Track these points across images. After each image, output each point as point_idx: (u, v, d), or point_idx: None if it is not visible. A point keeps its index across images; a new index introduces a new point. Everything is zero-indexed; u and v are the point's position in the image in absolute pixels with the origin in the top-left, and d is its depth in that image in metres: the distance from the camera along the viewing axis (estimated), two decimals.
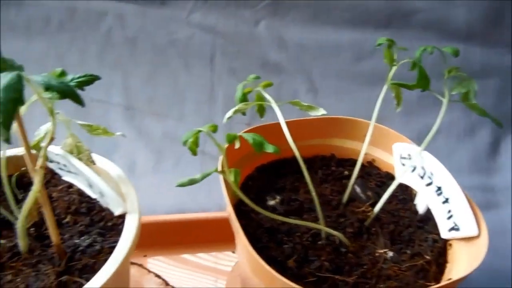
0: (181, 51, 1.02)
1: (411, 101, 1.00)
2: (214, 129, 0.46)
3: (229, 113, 0.55)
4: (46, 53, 1.04)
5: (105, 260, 0.46)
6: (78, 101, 0.35)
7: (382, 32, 0.99)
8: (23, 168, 0.56)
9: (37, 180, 0.40)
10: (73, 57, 1.04)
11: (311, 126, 0.64)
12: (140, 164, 0.92)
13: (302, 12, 0.99)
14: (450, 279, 0.47)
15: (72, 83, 0.40)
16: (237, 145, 0.45)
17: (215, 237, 0.77)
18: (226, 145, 0.55)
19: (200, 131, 0.45)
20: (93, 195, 0.52)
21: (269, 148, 0.43)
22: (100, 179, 0.48)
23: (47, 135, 0.42)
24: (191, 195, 0.88)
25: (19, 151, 0.56)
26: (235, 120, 0.99)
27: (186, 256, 0.75)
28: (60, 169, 0.54)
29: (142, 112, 1.00)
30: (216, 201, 0.87)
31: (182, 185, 0.41)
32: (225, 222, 0.78)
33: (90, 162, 0.51)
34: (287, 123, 0.54)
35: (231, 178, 0.45)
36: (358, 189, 0.59)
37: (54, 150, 0.50)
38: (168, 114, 1.00)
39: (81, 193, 0.53)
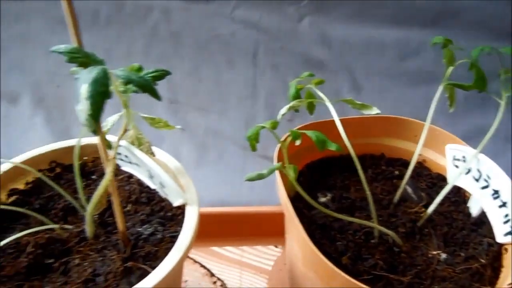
0: (225, 46, 1.04)
1: (457, 101, 0.98)
2: (275, 125, 0.47)
3: (284, 109, 0.56)
4: (94, 46, 1.06)
5: (167, 248, 0.48)
6: (156, 95, 0.36)
7: (428, 30, 0.98)
8: (85, 158, 0.59)
9: (109, 170, 0.42)
10: (120, 50, 1.06)
11: (362, 124, 0.64)
12: (184, 157, 0.94)
13: (347, 8, 0.99)
14: (510, 284, 0.46)
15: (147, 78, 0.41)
16: (298, 142, 0.46)
17: (258, 231, 0.78)
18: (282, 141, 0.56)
19: (263, 127, 0.46)
20: (152, 185, 0.54)
21: (332, 146, 0.43)
22: (161, 170, 0.50)
23: (121, 127, 0.43)
24: (234, 189, 0.89)
25: (80, 141, 0.59)
26: (275, 116, 1.01)
27: (229, 248, 0.77)
28: (121, 159, 0.56)
29: (186, 106, 1.02)
30: (257, 195, 0.89)
31: (251, 179, 0.42)
32: (267, 216, 0.79)
33: (150, 154, 0.53)
34: (331, 122, 0.54)
35: (291, 173, 0.46)
36: (409, 190, 0.59)
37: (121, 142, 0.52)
38: (211, 108, 1.01)
39: (140, 183, 0.55)
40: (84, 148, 0.58)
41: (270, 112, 1.00)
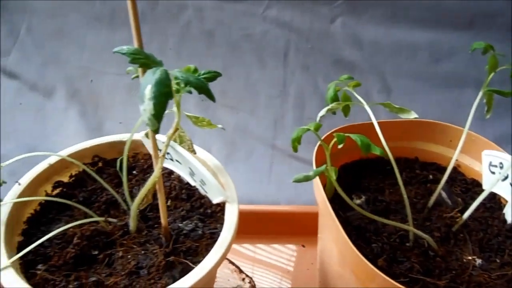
0: (256, 46, 1.05)
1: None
2: (318, 128, 0.48)
3: (322, 111, 0.56)
4: (128, 43, 1.09)
5: (207, 244, 0.49)
6: (211, 96, 0.37)
7: (462, 33, 0.97)
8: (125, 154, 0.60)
9: (158, 167, 0.44)
10: (153, 48, 1.08)
11: (397, 127, 0.64)
12: (213, 155, 0.95)
13: (380, 10, 0.99)
14: None
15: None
16: (339, 145, 0.47)
17: (284, 230, 0.79)
18: (318, 143, 0.57)
19: (307, 129, 0.46)
20: (193, 183, 0.55)
21: (376, 150, 0.44)
22: (203, 168, 0.51)
23: (173, 125, 0.44)
24: (262, 188, 0.90)
25: (121, 137, 0.61)
26: (306, 116, 1.02)
27: (258, 245, 0.78)
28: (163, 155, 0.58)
29: (216, 104, 1.03)
30: (284, 195, 0.90)
31: (298, 180, 0.43)
32: (294, 216, 0.80)
33: (192, 151, 0.54)
34: (371, 125, 0.55)
35: (333, 175, 0.47)
36: (444, 194, 0.59)
37: (161, 138, 0.54)
38: (240, 107, 1.03)
39: (180, 180, 0.57)
40: (123, 144, 0.60)
41: (299, 112, 1.01)
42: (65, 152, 0.57)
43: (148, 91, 0.33)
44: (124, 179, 0.52)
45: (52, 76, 1.08)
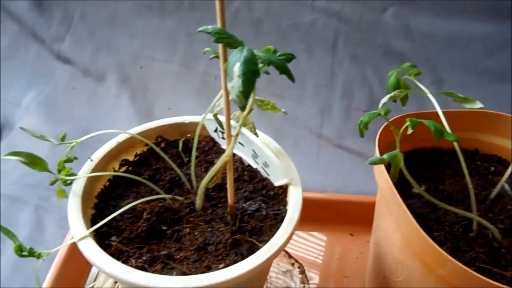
0: (304, 35, 1.05)
1: None
2: (387, 112, 0.48)
3: (385, 99, 0.56)
4: (177, 30, 1.11)
5: (271, 225, 0.50)
6: (291, 76, 0.38)
7: None
8: (188, 135, 0.62)
9: (230, 146, 0.45)
10: (201, 35, 1.10)
11: (459, 118, 0.63)
12: None
13: (433, 0, 0.97)
14: None
15: None
16: (410, 130, 0.47)
17: (332, 218, 0.79)
18: (381, 128, 0.57)
19: (379, 113, 0.46)
20: (255, 165, 0.56)
21: (450, 137, 0.44)
22: (268, 150, 0.52)
23: (248, 105, 0.45)
24: (308, 176, 0.91)
25: (183, 119, 0.62)
26: (353, 106, 1.01)
27: (307, 232, 0.78)
28: (223, 138, 0.59)
29: (263, 92, 1.04)
30: (332, 184, 0.90)
31: (373, 163, 0.43)
32: (342, 204, 0.80)
33: (254, 134, 0.55)
34: (434, 114, 0.54)
35: (402, 161, 0.47)
36: (507, 187, 0.58)
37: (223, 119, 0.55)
38: (287, 95, 1.03)
39: (242, 162, 0.58)
40: (188, 126, 0.62)
41: (346, 102, 1.00)
42: (134, 131, 0.59)
43: (237, 68, 0.34)
44: (193, 158, 0.54)
45: (104, 61, 1.12)
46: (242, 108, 0.35)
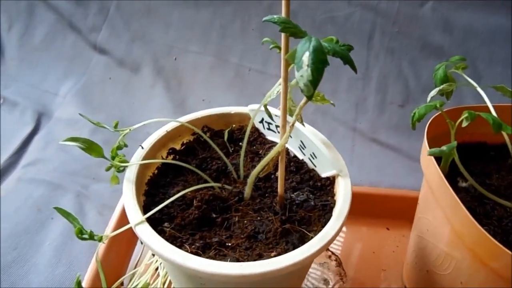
0: (339, 28, 1.04)
1: None
2: (442, 104, 0.48)
3: (433, 92, 0.56)
4: (211, 22, 1.12)
5: (319, 216, 0.50)
6: (354, 66, 0.38)
7: None
8: (233, 125, 0.63)
9: (285, 136, 0.45)
10: (235, 28, 1.10)
11: (506, 112, 0.62)
12: None
13: None
14: None
15: None
16: (465, 123, 0.46)
17: (368, 212, 0.79)
18: (430, 120, 0.57)
19: (435, 106, 0.46)
20: (301, 156, 0.56)
21: (508, 130, 0.43)
22: (317, 140, 0.52)
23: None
24: None
25: (229, 109, 0.63)
26: (388, 100, 1.01)
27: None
28: (268, 129, 0.60)
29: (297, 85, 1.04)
30: (367, 178, 0.89)
31: (433, 154, 0.43)
32: (378, 198, 0.80)
33: (302, 124, 0.55)
34: (484, 108, 0.53)
35: (456, 155, 0.46)
36: None
37: (273, 111, 0.56)
38: (321, 89, 1.02)
39: (288, 152, 0.58)
40: (233, 116, 0.62)
41: (381, 96, 1.00)
42: (183, 119, 0.60)
43: (306, 58, 0.34)
44: (243, 147, 0.55)
45: (139, 52, 1.13)
46: (310, 97, 0.35)
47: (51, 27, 1.18)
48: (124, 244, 0.71)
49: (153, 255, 0.70)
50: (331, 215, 0.49)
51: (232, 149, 0.61)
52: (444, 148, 0.44)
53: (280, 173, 0.49)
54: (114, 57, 1.13)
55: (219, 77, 1.08)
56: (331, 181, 0.54)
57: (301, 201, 0.52)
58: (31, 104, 1.04)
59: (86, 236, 0.43)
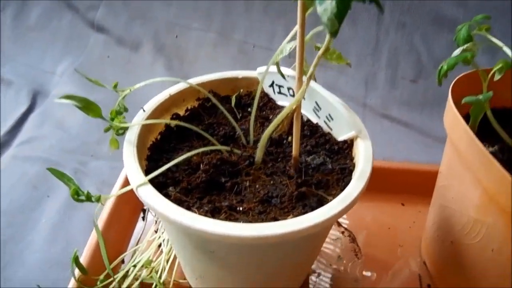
0: None
1: None
2: (473, 55, 0.44)
3: (456, 51, 0.52)
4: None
5: (338, 179, 0.46)
6: (380, 6, 0.34)
7: None
8: (241, 90, 0.59)
9: (302, 89, 0.41)
10: (239, 3, 1.06)
11: None
12: None
13: None
14: None
15: None
16: (497, 76, 0.42)
17: (382, 187, 0.75)
18: (457, 77, 0.53)
19: (465, 56, 0.42)
20: (315, 119, 0.52)
21: None
22: (334, 99, 0.48)
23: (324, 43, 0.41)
24: None
25: (236, 74, 0.59)
26: (399, 75, 0.96)
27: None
28: (279, 92, 0.56)
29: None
30: (378, 152, 0.85)
31: (469, 102, 0.39)
32: (391, 172, 0.75)
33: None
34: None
35: (488, 109, 0.42)
36: None
37: (286, 71, 0.52)
38: (329, 64, 0.98)
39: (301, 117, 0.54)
40: (240, 81, 0.58)
41: (392, 72, 0.96)
42: (183, 85, 0.56)
43: None
44: (254, 108, 0.51)
45: (139, 30, 1.09)
46: (334, 34, 0.31)
47: (47, 6, 1.14)
48: (124, 221, 0.67)
49: (156, 231, 0.66)
50: (350, 179, 0.45)
51: (240, 115, 0.57)
52: (480, 96, 0.40)
53: (295, 132, 0.45)
54: (113, 35, 1.09)
55: (223, 55, 1.04)
56: (348, 144, 0.50)
57: (317, 164, 0.48)
58: (26, 83, 1.00)
59: (82, 197, 0.39)
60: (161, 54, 1.06)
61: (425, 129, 0.88)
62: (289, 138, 0.53)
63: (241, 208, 0.43)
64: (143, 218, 0.70)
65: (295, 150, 0.46)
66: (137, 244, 0.65)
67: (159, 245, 0.64)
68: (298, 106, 0.43)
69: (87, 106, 0.45)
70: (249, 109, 0.58)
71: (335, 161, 0.49)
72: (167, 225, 0.45)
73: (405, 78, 0.93)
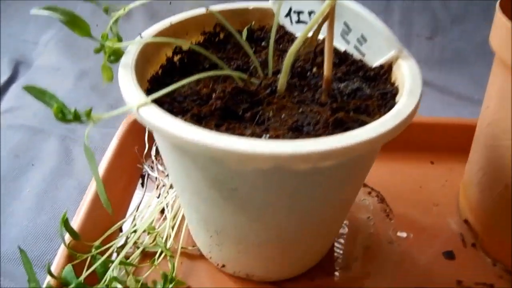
0: None
1: None
2: None
3: None
4: None
5: (379, 106, 0.39)
6: None
7: None
8: (252, 22, 0.51)
9: None
10: None
11: None
12: None
13: None
14: None
15: None
16: None
17: (409, 145, 0.67)
18: None
19: None
20: (343, 46, 0.45)
21: None
22: (370, 14, 0.41)
23: None
24: None
25: (246, 5, 0.51)
26: (414, 33, 0.89)
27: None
28: (298, 21, 0.48)
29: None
30: None
31: None
32: (420, 128, 0.67)
33: None
34: None
35: None
36: None
37: None
38: None
39: (322, 47, 0.47)
40: (251, 13, 0.51)
41: (405, 29, 0.89)
42: (187, 14, 0.48)
43: None
44: (271, 42, 0.43)
45: None
46: None
47: None
48: (120, 188, 0.59)
49: (158, 197, 0.58)
50: (394, 104, 0.37)
51: (253, 49, 0.49)
52: None
53: (327, 45, 0.37)
54: (101, 3, 1.00)
55: None
56: (386, 69, 0.42)
57: (353, 89, 0.40)
58: (7, 53, 0.91)
59: (69, 116, 0.31)
60: (153, 21, 0.97)
61: (445, 87, 0.81)
62: (314, 69, 0.45)
63: (268, 136, 0.35)
64: (142, 185, 0.62)
65: (327, 70, 0.38)
66: (137, 210, 0.57)
67: (162, 211, 0.56)
68: (332, 8, 0.35)
69: (73, 21, 0.38)
70: (262, 44, 0.50)
71: (373, 87, 0.41)
72: (177, 159, 0.37)
73: (421, 35, 0.86)
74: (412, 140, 0.67)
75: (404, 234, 0.55)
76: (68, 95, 0.80)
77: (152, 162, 0.63)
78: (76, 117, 0.31)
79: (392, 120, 0.32)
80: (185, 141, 0.30)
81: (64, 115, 0.30)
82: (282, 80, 0.40)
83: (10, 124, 0.72)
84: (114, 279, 0.41)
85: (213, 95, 0.39)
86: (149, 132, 0.64)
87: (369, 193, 0.61)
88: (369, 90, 0.40)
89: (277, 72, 0.43)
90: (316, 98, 0.40)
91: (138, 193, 0.61)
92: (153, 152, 0.63)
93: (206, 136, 0.30)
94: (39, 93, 0.32)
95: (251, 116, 0.38)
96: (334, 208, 0.41)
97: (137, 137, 0.64)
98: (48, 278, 0.43)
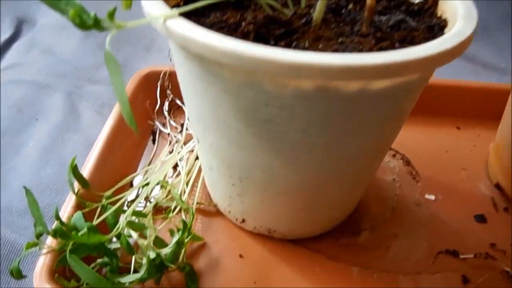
0: None
1: None
2: None
3: None
4: None
5: (426, 38, 0.35)
6: None
7: None
8: None
9: None
10: None
11: None
12: None
13: None
14: None
15: None
16: None
17: (434, 109, 0.64)
18: None
19: None
20: None
21: None
22: None
23: None
24: None
25: None
26: None
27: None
28: None
29: None
30: None
31: None
32: (445, 91, 0.64)
33: None
34: None
35: None
36: None
37: None
38: None
39: None
40: None
41: None
42: None
43: None
44: None
45: None
46: None
47: None
48: (130, 144, 0.55)
49: (171, 152, 0.54)
50: (443, 34, 0.34)
51: None
52: None
53: None
54: None
55: None
56: (431, 4, 0.39)
57: (397, 21, 0.37)
58: (10, 12, 0.87)
59: (90, 21, 0.27)
60: None
61: (472, 55, 0.78)
62: (350, 5, 0.41)
63: None
64: (154, 141, 0.58)
65: None
66: (149, 164, 0.54)
67: (175, 166, 0.53)
68: None
69: None
70: None
71: (417, 21, 0.37)
72: (205, 88, 0.34)
73: None
74: (438, 104, 0.64)
75: (432, 197, 0.52)
76: (75, 52, 0.76)
77: (165, 118, 0.59)
78: (97, 23, 0.27)
79: (453, 39, 0.28)
80: (220, 52, 0.27)
81: (82, 20, 0.27)
82: (319, 7, 0.36)
83: (12, 79, 0.68)
84: (129, 224, 0.38)
85: (243, 23, 0.35)
86: (161, 87, 0.61)
87: (394, 155, 0.57)
88: (414, 23, 0.37)
89: (309, 6, 0.39)
90: (355, 31, 0.36)
91: (149, 150, 0.58)
92: (165, 107, 0.60)
93: (243, 46, 0.26)
94: (52, 1, 0.28)
95: (285, 46, 0.34)
96: (371, 151, 0.38)
97: (148, 92, 0.60)
98: (55, 224, 0.39)
